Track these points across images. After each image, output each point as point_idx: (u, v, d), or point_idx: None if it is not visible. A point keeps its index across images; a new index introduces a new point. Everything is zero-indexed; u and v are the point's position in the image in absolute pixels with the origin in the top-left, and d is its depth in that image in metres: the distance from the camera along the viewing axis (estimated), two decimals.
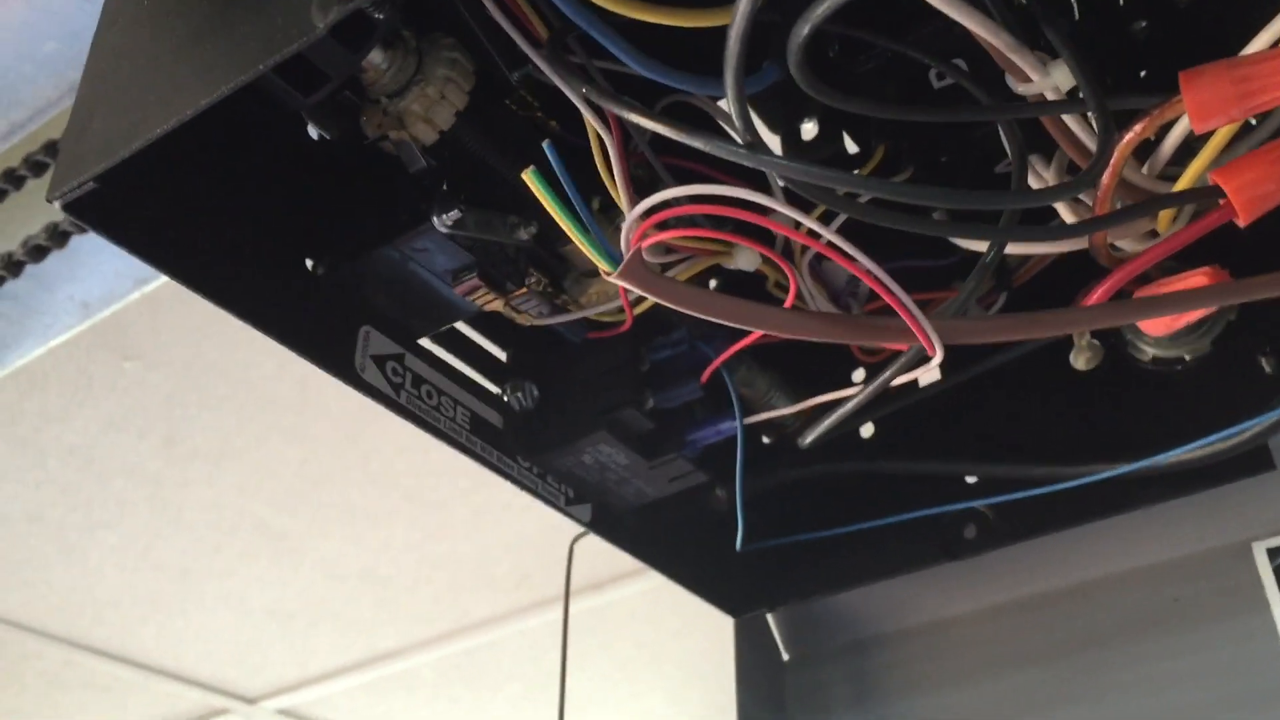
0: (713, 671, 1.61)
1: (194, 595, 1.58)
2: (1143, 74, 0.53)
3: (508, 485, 0.53)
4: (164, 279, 0.95)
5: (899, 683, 0.61)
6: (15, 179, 0.85)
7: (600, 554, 0.61)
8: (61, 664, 1.69)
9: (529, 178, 0.34)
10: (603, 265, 0.36)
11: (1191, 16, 0.50)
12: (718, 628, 0.65)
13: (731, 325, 0.38)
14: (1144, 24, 0.51)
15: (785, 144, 0.65)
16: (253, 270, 0.44)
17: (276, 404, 1.28)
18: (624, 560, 0.60)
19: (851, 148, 0.61)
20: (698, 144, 0.35)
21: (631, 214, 0.36)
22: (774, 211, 0.39)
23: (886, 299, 0.37)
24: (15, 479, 1.34)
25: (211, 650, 1.71)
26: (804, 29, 0.33)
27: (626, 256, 0.35)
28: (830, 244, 0.37)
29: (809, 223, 0.37)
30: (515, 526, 1.46)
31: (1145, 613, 0.56)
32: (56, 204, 0.37)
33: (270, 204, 0.46)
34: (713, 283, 0.61)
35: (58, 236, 0.83)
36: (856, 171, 0.57)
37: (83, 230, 0.83)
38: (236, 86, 0.34)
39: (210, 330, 1.17)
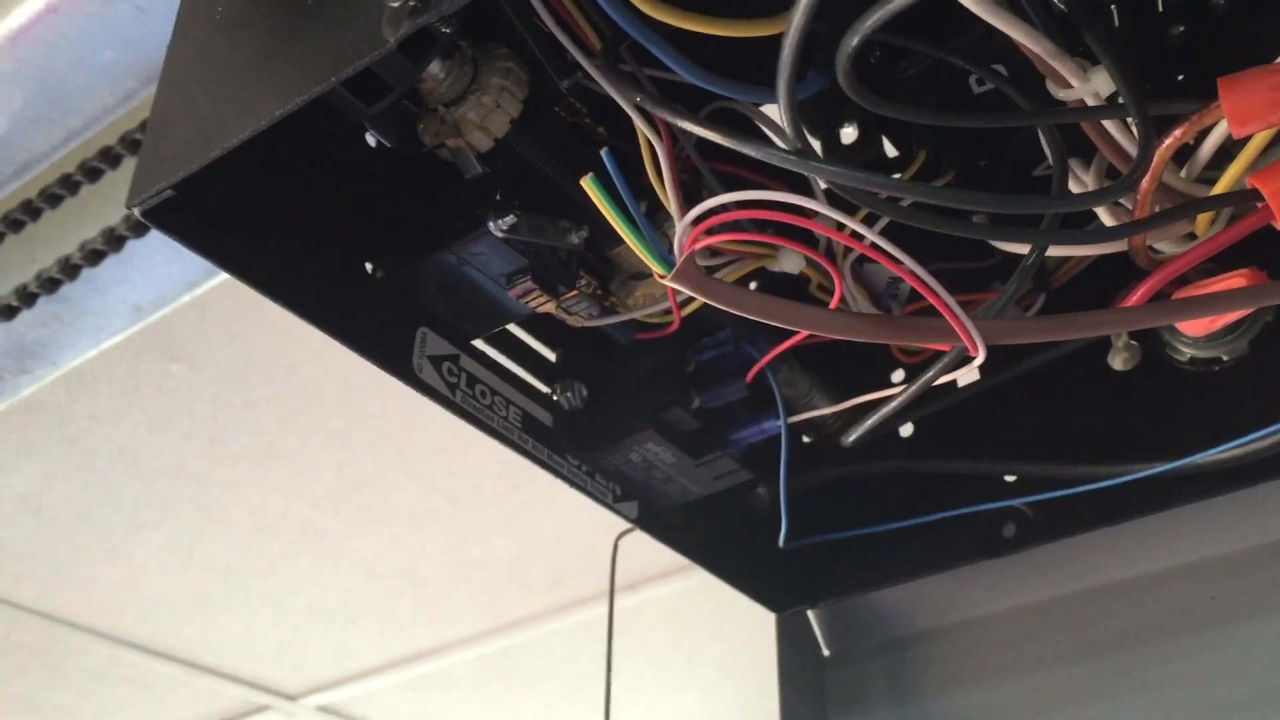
0: (747, 671, 1.62)
1: (237, 593, 1.60)
2: (1180, 78, 0.54)
3: (545, 487, 0.54)
4: (213, 283, 0.98)
5: (938, 679, 0.62)
6: (71, 184, 0.87)
7: (636, 554, 0.62)
8: (107, 660, 1.72)
9: (587, 184, 0.36)
10: (657, 269, 0.37)
11: (1228, 21, 0.51)
12: (752, 627, 0.66)
13: (779, 326, 0.39)
14: (1181, 29, 0.52)
15: (825, 148, 0.66)
16: (315, 273, 0.45)
17: (319, 406, 1.30)
18: (659, 560, 0.61)
19: (890, 151, 0.63)
20: (749, 151, 0.36)
21: (684, 219, 0.37)
22: (819, 215, 0.41)
23: (930, 299, 0.38)
24: (64, 478, 1.37)
25: (253, 647, 1.74)
26: (853, 40, 0.34)
27: (680, 260, 0.37)
28: (874, 245, 0.38)
29: (853, 224, 0.38)
30: (552, 528, 1.48)
31: (1183, 610, 0.56)
32: (136, 210, 0.38)
33: (332, 209, 0.47)
34: (753, 285, 0.62)
35: (113, 240, 0.85)
36: (898, 176, 0.58)
37: (138, 235, 0.86)
38: (308, 99, 0.35)
39: (255, 334, 1.19)
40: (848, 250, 0.52)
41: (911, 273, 0.38)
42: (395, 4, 0.34)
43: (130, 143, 0.84)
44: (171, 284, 0.94)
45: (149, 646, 1.71)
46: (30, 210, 0.89)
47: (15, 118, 0.84)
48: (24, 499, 1.39)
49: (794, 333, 0.49)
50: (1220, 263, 0.48)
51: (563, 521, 1.44)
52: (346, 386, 1.27)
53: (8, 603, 1.57)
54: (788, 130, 0.36)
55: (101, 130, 0.86)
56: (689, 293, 0.37)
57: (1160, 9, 0.49)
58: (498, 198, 0.44)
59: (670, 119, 0.40)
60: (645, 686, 1.81)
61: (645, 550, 0.61)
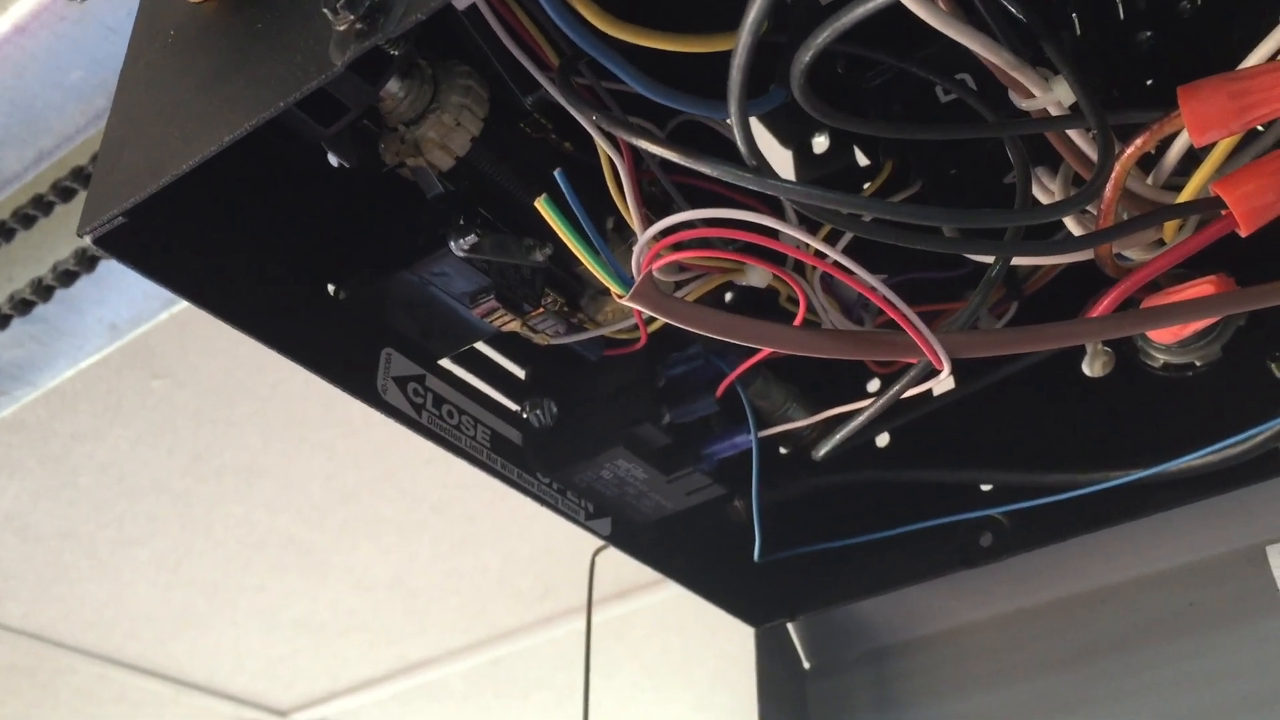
0: (739, 678, 1.61)
1: (225, 609, 1.60)
2: (1150, 83, 0.53)
3: None
4: None
5: (919, 689, 0.62)
6: (44, 205, 0.87)
7: (626, 562, 0.62)
8: (95, 679, 1.71)
9: (542, 206, 0.35)
10: (615, 289, 0.37)
11: (1197, 25, 0.51)
12: (743, 634, 0.66)
13: (743, 345, 0.39)
14: (1149, 34, 0.52)
15: (797, 158, 0.66)
16: (276, 296, 0.45)
17: (303, 420, 1.30)
18: (648, 569, 0.61)
19: (862, 159, 0.62)
20: (705, 169, 0.36)
21: (642, 238, 0.37)
22: (782, 233, 0.40)
23: (893, 315, 0.38)
24: (48, 497, 1.36)
25: (243, 663, 1.73)
26: (806, 55, 0.34)
27: (637, 280, 0.36)
28: (836, 263, 0.38)
29: (815, 243, 0.38)
30: (540, 537, 1.47)
31: (1162, 617, 0.56)
32: (87, 238, 0.38)
33: (292, 231, 0.47)
34: (728, 295, 0.62)
35: (86, 261, 0.85)
36: (866, 185, 0.58)
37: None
38: (259, 123, 0.35)
39: (237, 349, 1.18)
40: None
41: (874, 289, 0.38)
42: (342, 27, 0.33)
43: None
44: (148, 302, 0.94)
45: (138, 665, 1.70)
46: (4, 231, 0.88)
47: None
48: (8, 518, 1.39)
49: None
50: (1191, 266, 0.47)
51: (551, 531, 1.44)
52: (330, 400, 1.26)
53: None
54: (742, 149, 0.36)
55: (73, 149, 0.86)
56: (647, 312, 0.37)
57: (1122, 16, 0.49)
58: (461, 219, 0.44)
59: (628, 138, 0.39)
60: (637, 694, 1.81)
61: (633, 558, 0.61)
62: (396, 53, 0.40)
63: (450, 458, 0.50)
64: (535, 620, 1.66)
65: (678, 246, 0.39)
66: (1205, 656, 0.54)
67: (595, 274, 0.37)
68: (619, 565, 0.65)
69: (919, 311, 0.39)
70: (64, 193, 0.86)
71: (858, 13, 0.31)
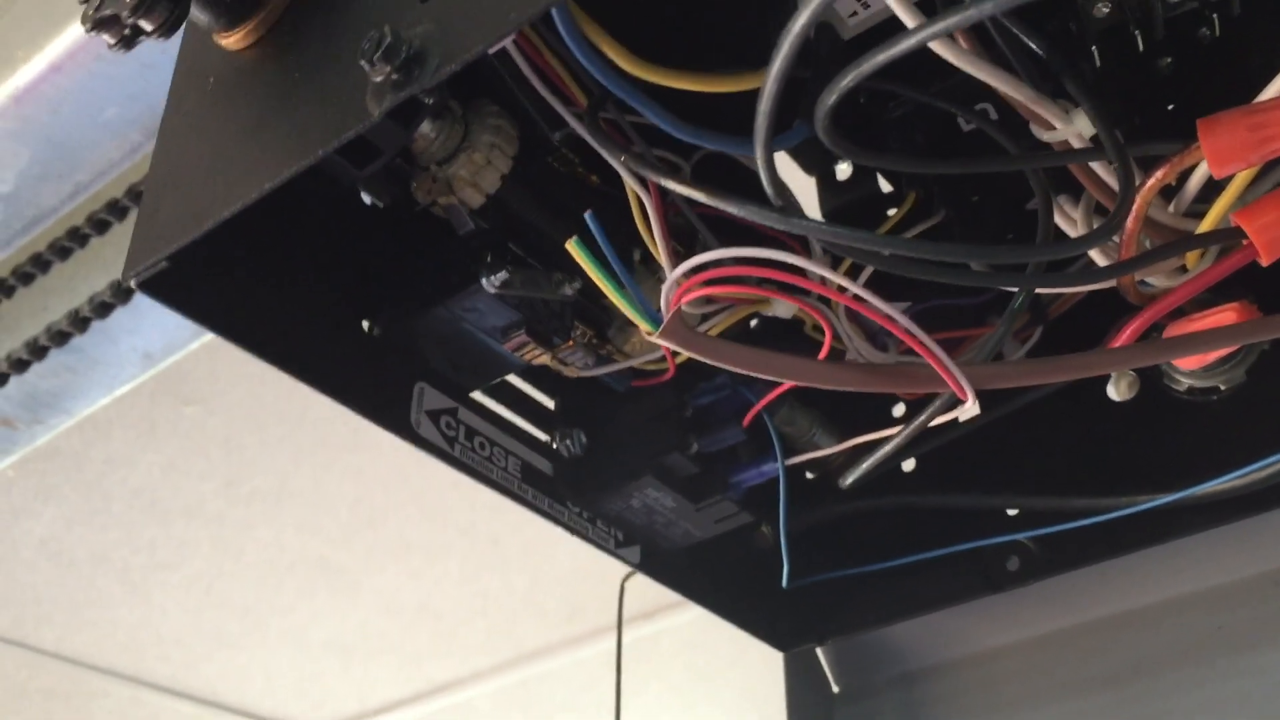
0: (768, 699, 1.61)
1: (256, 631, 1.61)
2: (1171, 108, 0.54)
3: None
4: None
5: (947, 713, 0.62)
6: (80, 237, 0.88)
7: (653, 582, 0.62)
8: (128, 701, 1.73)
9: (573, 248, 0.36)
10: (644, 326, 0.38)
11: (1217, 51, 0.51)
12: (772, 655, 0.66)
13: (769, 379, 0.39)
14: (1169, 60, 0.52)
15: (821, 184, 0.66)
16: (312, 333, 0.46)
17: (331, 444, 1.31)
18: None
19: (885, 186, 0.63)
20: (731, 209, 0.37)
21: (670, 277, 0.38)
22: (806, 271, 0.41)
23: (917, 349, 0.39)
24: (82, 522, 1.38)
25: (273, 685, 1.74)
26: (830, 99, 0.35)
27: (666, 317, 0.37)
28: (856, 297, 0.39)
29: (837, 279, 0.38)
30: (567, 559, 1.48)
31: (1189, 641, 0.56)
32: (131, 283, 0.39)
33: (327, 270, 0.48)
34: (754, 322, 0.63)
35: (122, 293, 0.86)
36: (891, 212, 0.59)
37: None
38: (298, 171, 0.36)
39: (266, 375, 1.19)
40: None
41: (900, 325, 0.38)
42: (378, 79, 0.34)
43: (136, 194, 0.85)
44: (181, 331, 0.95)
45: (170, 687, 1.72)
46: (40, 263, 0.90)
47: (23, 174, 0.85)
48: (43, 544, 1.40)
49: None
50: (1215, 292, 0.48)
51: (578, 553, 1.44)
52: (357, 424, 1.26)
53: (29, 648, 1.58)
54: (768, 189, 0.36)
55: (108, 183, 0.88)
56: (676, 348, 0.37)
57: (1141, 46, 0.49)
58: (490, 256, 0.45)
59: (654, 178, 0.40)
60: (664, 715, 1.81)
61: None
62: (430, 100, 0.41)
63: (475, 482, 0.51)
64: (562, 641, 1.67)
65: (712, 282, 0.40)
66: (1232, 680, 0.55)
67: (624, 311, 0.38)
68: (646, 586, 0.66)
69: (942, 338, 0.40)
70: (99, 225, 0.87)
71: (880, 59, 0.32)
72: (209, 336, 0.97)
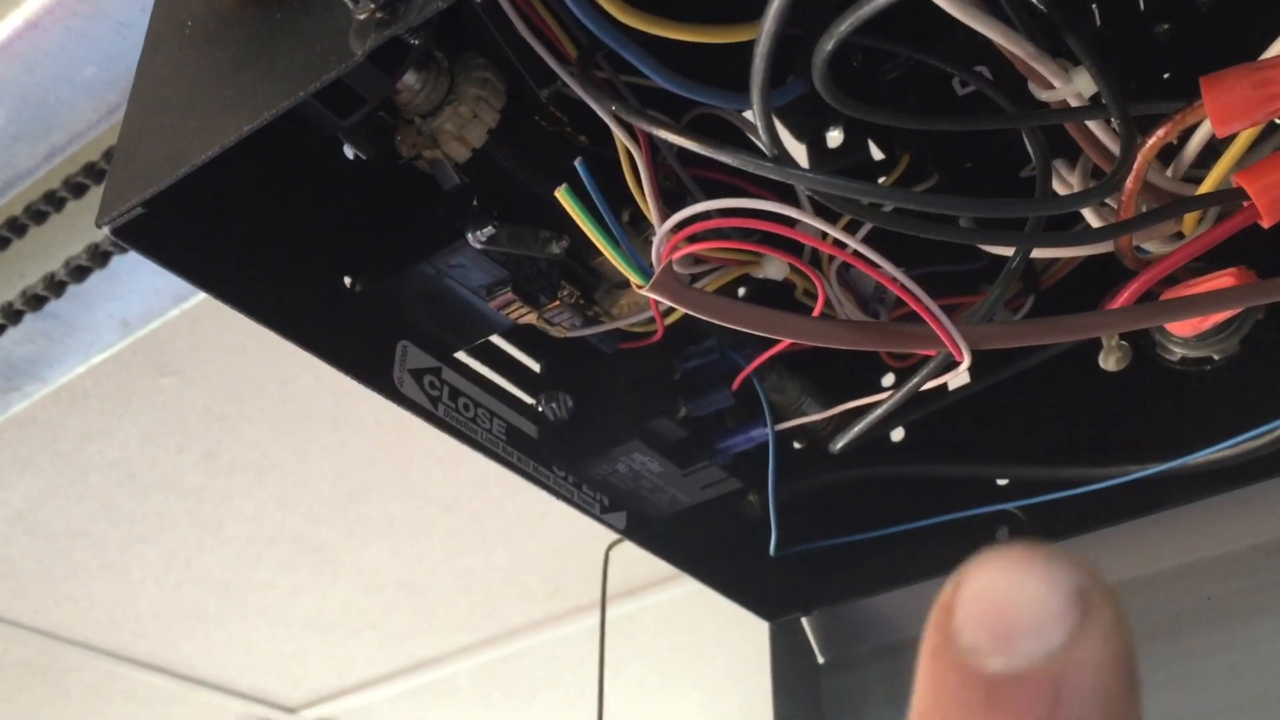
0: (750, 675, 1.61)
1: (235, 607, 1.60)
2: (1166, 76, 0.53)
3: (541, 495, 0.54)
4: (202, 296, 0.97)
5: None
6: (56, 201, 0.87)
7: (636, 559, 0.61)
8: (105, 676, 1.71)
9: (562, 195, 0.35)
10: (634, 279, 0.37)
11: (1214, 18, 0.50)
12: (755, 632, 0.66)
13: (761, 335, 0.38)
14: (1166, 26, 0.51)
15: (811, 152, 0.65)
16: (293, 288, 0.45)
17: (313, 417, 1.30)
18: (659, 565, 0.61)
19: (877, 154, 0.62)
20: (725, 158, 0.36)
21: (661, 229, 0.37)
22: (800, 222, 0.40)
23: (913, 306, 0.38)
24: (58, 494, 1.37)
25: (252, 661, 1.73)
26: (828, 44, 0.34)
27: (657, 270, 0.36)
28: (856, 253, 0.38)
29: (835, 233, 0.37)
30: (549, 535, 1.47)
31: (1180, 612, 0.56)
32: (105, 229, 0.38)
33: (309, 224, 0.47)
34: (741, 291, 0.62)
35: (99, 256, 0.84)
36: (882, 180, 0.58)
37: (123, 250, 0.85)
38: (278, 113, 0.35)
39: (247, 346, 1.18)
40: (832, 257, 0.52)
41: (894, 280, 0.38)
42: (362, 16, 0.33)
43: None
44: (159, 298, 0.94)
45: (148, 662, 1.70)
46: (16, 228, 0.88)
47: None
48: (19, 516, 1.39)
49: (779, 339, 0.48)
50: (1210, 261, 0.47)
51: (561, 529, 1.44)
52: (339, 397, 1.26)
53: (5, 620, 1.56)
54: (764, 138, 0.35)
55: (85, 145, 0.86)
56: (668, 303, 0.37)
57: (1142, 8, 0.48)
58: (475, 207, 0.44)
59: (646, 128, 0.39)
60: (646, 692, 1.81)
61: (644, 555, 0.61)
62: (417, 41, 0.40)
63: (458, 457, 0.50)
64: (545, 618, 1.66)
65: (696, 237, 0.39)
66: (1224, 651, 0.54)
67: (615, 264, 0.37)
68: (628, 562, 0.65)
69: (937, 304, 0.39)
70: (76, 189, 0.86)
71: (879, 1, 0.31)
72: (188, 304, 0.96)
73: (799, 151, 0.65)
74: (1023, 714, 0.17)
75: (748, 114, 0.46)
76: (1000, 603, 0.18)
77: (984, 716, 0.17)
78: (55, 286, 0.86)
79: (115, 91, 0.82)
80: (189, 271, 0.40)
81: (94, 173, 0.85)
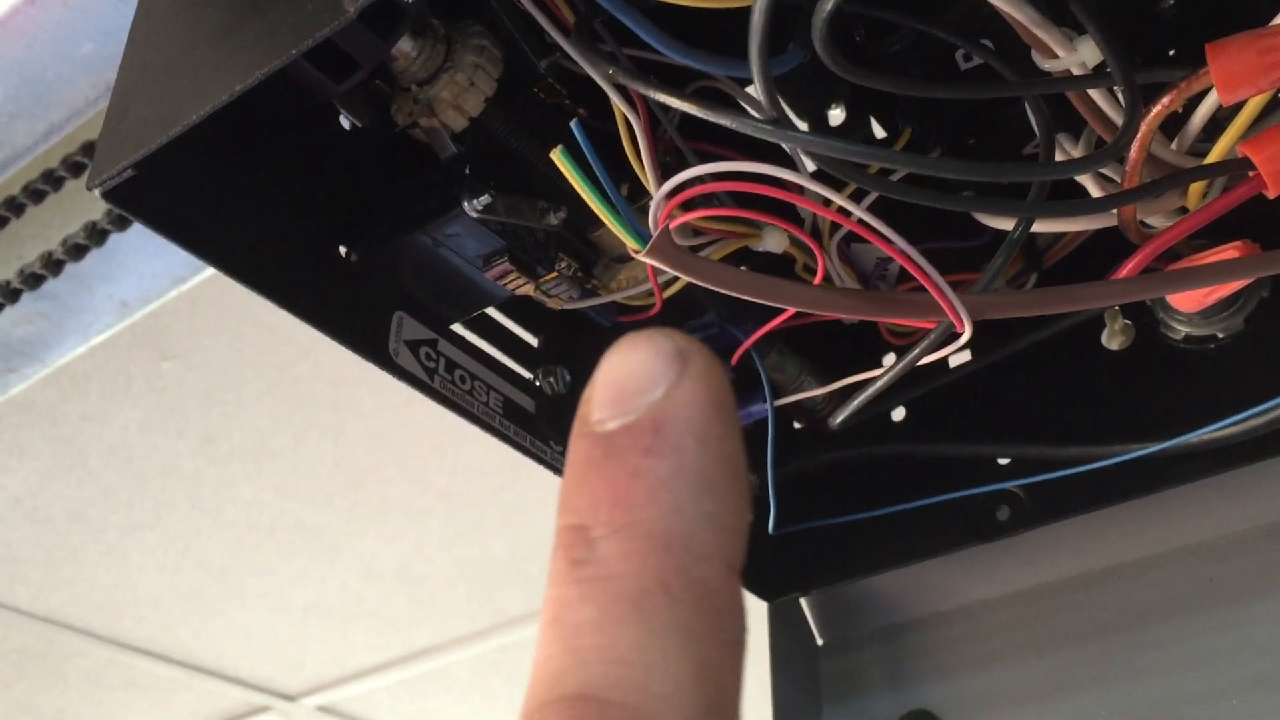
0: (748, 656, 1.60)
1: (233, 593, 1.59)
2: (1171, 53, 0.53)
3: (540, 482, 0.53)
4: (201, 278, 0.97)
5: (934, 666, 0.61)
6: (54, 180, 0.86)
7: None
8: (104, 662, 1.71)
9: (557, 157, 0.35)
10: (631, 244, 0.37)
11: None
12: (753, 612, 0.65)
13: (760, 303, 0.38)
14: (1172, 1, 0.51)
15: (813, 130, 0.65)
16: (287, 257, 0.44)
17: (312, 403, 1.29)
18: None
19: (879, 132, 0.62)
20: (724, 121, 0.35)
21: (659, 192, 0.36)
22: (803, 189, 0.40)
23: (915, 274, 0.37)
24: (57, 478, 1.36)
25: (251, 648, 1.73)
26: (828, 4, 0.33)
27: (654, 235, 0.36)
28: (860, 221, 0.37)
29: (839, 200, 0.37)
30: (548, 523, 1.46)
31: (1182, 592, 0.55)
32: (96, 191, 0.37)
33: (304, 192, 0.46)
34: (741, 267, 0.61)
35: (96, 235, 0.84)
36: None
37: (121, 229, 0.85)
38: (270, 71, 0.34)
39: (246, 330, 1.18)
40: (834, 230, 0.51)
41: (894, 244, 0.37)
42: None
43: None
44: (158, 280, 0.94)
45: (147, 648, 1.70)
46: (14, 206, 0.88)
47: None
48: (17, 501, 1.39)
49: (779, 313, 0.48)
50: (1213, 238, 0.47)
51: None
52: (339, 383, 1.26)
53: (3, 606, 1.56)
54: (763, 99, 0.35)
55: (84, 123, 0.86)
56: (664, 268, 0.36)
57: None
58: (470, 175, 0.43)
59: (644, 91, 0.39)
60: None
61: None
62: (410, 1, 0.39)
63: (456, 443, 0.50)
64: (542, 608, 1.66)
65: (694, 204, 0.39)
66: (1225, 632, 0.54)
67: (611, 229, 0.36)
68: None
69: None
70: (74, 168, 0.85)
71: None
72: (187, 286, 0.96)
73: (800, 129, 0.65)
74: (630, 451, 0.21)
75: (750, 90, 0.46)
76: (617, 378, 0.21)
77: (604, 465, 0.21)
78: (53, 265, 0.86)
79: (113, 68, 0.81)
80: (181, 235, 0.40)
81: (92, 152, 0.84)
